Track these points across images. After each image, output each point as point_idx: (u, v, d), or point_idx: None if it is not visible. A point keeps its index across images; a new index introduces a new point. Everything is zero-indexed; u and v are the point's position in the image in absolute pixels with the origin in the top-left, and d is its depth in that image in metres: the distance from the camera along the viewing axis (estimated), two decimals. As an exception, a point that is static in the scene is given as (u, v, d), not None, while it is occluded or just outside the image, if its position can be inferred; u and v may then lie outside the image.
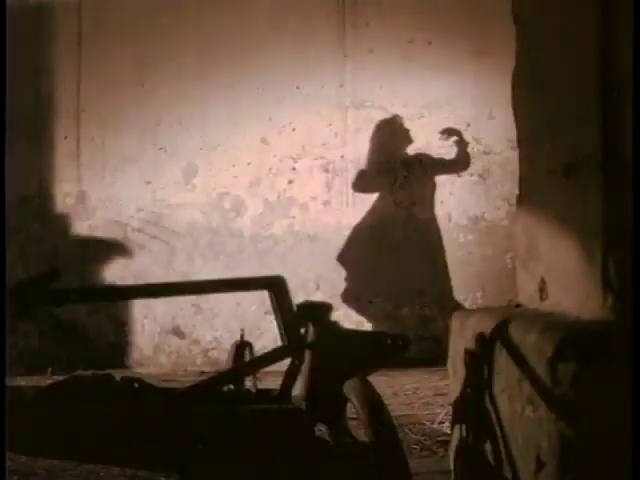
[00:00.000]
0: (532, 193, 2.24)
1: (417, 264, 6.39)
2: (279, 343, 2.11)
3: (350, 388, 1.94)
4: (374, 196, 6.43)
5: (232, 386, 2.14)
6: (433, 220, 6.45)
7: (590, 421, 1.69)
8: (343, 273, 6.36)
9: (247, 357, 2.25)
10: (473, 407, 2.09)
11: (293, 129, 6.40)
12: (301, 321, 2.08)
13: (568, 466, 1.70)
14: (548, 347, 1.73)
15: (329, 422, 2.04)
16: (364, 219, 6.40)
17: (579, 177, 1.95)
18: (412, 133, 6.46)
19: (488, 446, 2.01)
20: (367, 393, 1.91)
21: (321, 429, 2.05)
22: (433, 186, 6.47)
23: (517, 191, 2.34)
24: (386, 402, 1.96)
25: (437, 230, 6.44)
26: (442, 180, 6.49)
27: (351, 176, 6.42)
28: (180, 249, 6.32)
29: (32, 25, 6.21)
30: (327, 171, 6.42)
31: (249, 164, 6.38)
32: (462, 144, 6.41)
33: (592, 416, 1.68)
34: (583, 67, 1.94)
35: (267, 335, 5.68)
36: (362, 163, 6.44)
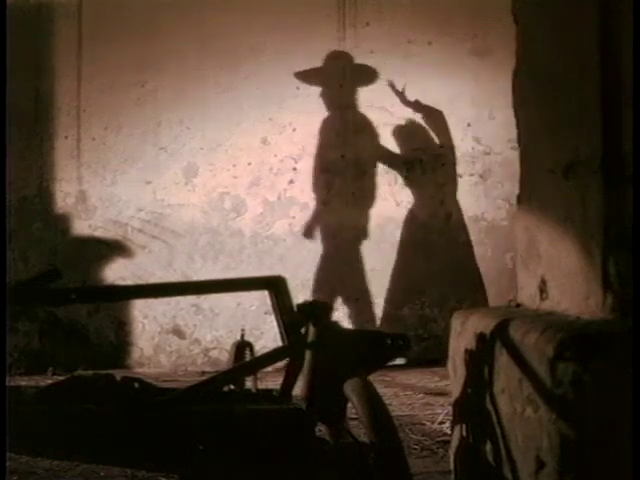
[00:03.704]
0: (532, 193, 2.24)
1: (417, 264, 6.39)
2: (279, 343, 2.11)
3: (350, 388, 1.94)
4: (374, 196, 6.43)
5: (232, 386, 2.14)
6: (433, 220, 6.45)
7: (590, 421, 1.69)
8: (343, 273, 6.35)
9: (247, 357, 2.25)
10: (473, 407, 2.09)
11: (293, 129, 6.39)
12: (301, 321, 2.07)
13: (568, 466, 1.70)
14: (548, 347, 1.73)
15: (329, 422, 2.04)
16: (364, 219, 6.40)
17: (579, 177, 1.95)
18: (412, 133, 6.46)
19: (488, 446, 2.01)
20: (367, 393, 1.91)
21: (321, 429, 2.05)
22: (433, 186, 6.47)
23: (517, 191, 2.34)
24: (386, 402, 1.96)
25: (437, 230, 6.44)
26: (442, 180, 6.49)
27: (351, 176, 6.42)
28: (180, 249, 6.31)
29: (32, 25, 6.20)
30: (327, 171, 6.42)
31: (249, 164, 6.38)
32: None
33: (592, 416, 1.68)
34: (583, 67, 1.94)
35: (267, 335, 5.69)
36: (362, 163, 6.44)
